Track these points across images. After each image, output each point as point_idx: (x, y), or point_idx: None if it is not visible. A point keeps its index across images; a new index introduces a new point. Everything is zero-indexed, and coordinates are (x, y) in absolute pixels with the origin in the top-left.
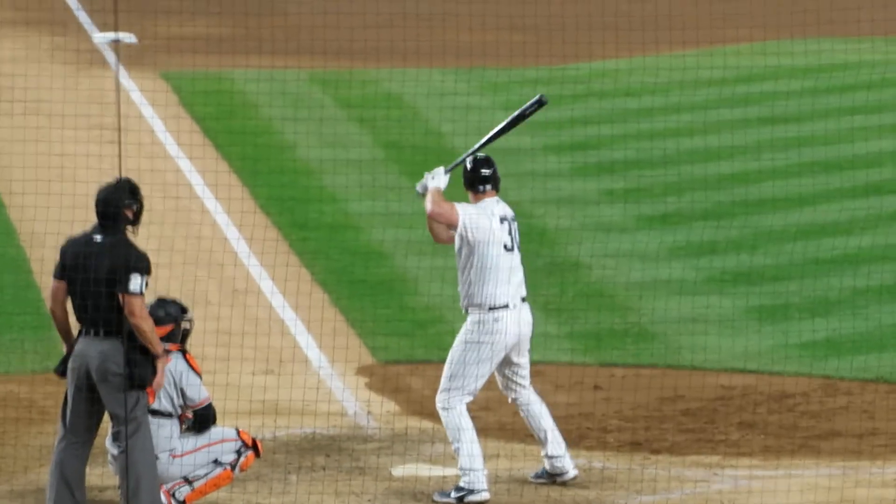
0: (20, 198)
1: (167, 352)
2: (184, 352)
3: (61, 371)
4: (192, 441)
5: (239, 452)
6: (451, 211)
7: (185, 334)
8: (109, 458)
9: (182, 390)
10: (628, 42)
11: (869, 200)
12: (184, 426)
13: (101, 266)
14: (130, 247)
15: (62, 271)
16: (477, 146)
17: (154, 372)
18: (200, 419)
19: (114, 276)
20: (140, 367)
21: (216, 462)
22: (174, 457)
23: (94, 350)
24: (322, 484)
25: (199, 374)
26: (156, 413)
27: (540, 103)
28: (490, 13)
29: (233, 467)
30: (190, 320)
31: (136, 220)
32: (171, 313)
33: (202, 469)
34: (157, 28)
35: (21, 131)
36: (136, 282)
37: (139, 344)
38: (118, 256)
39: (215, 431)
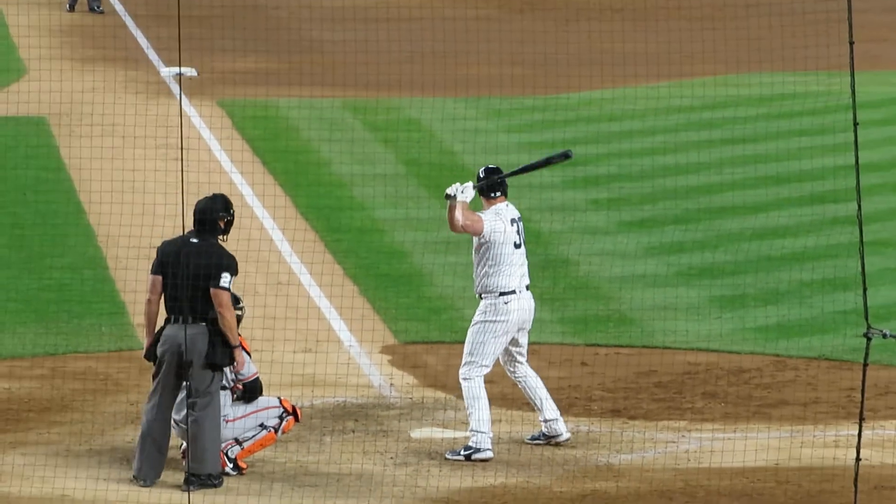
0: (98, 206)
1: None
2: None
3: (150, 356)
4: (241, 408)
5: (281, 418)
6: (479, 223)
7: (238, 320)
8: (172, 422)
9: (234, 367)
10: (611, 75)
11: (813, 208)
12: (234, 396)
13: (196, 264)
14: (222, 249)
15: (160, 267)
16: (509, 173)
17: (231, 358)
18: (249, 390)
19: (207, 272)
20: (218, 351)
21: (262, 426)
22: (227, 421)
23: (183, 335)
24: (352, 444)
25: (248, 353)
26: None
27: (566, 156)
28: (494, 51)
29: (276, 430)
30: (242, 308)
31: (226, 230)
32: None
33: (250, 432)
34: (213, 63)
35: (99, 150)
36: (225, 279)
37: (218, 331)
38: (212, 256)
39: (261, 400)
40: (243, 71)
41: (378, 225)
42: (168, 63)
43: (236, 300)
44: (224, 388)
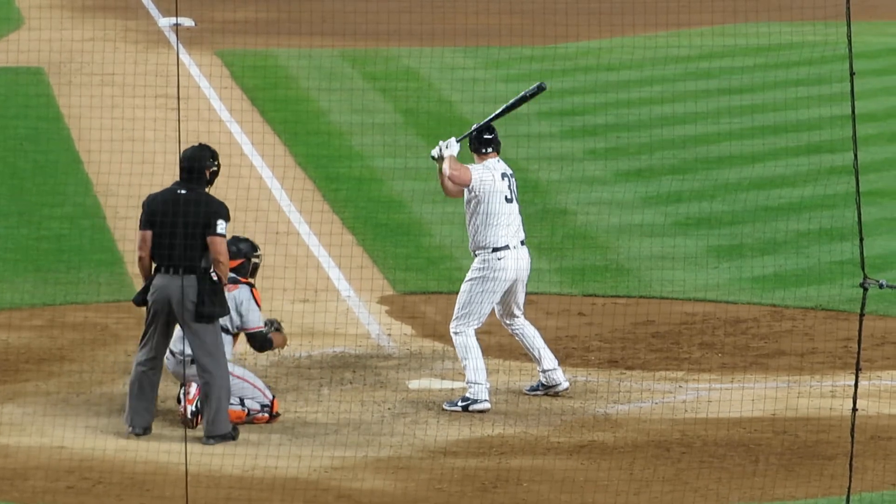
0: (97, 155)
1: (238, 282)
2: (251, 286)
3: (139, 301)
4: (239, 370)
5: (262, 408)
6: (466, 173)
7: (255, 268)
8: (168, 354)
9: (241, 314)
10: (609, 25)
11: (809, 158)
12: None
13: (188, 214)
14: (212, 197)
15: (149, 222)
16: (484, 122)
17: (225, 308)
18: (258, 341)
19: (202, 221)
20: (208, 305)
21: (241, 399)
22: None
23: (175, 285)
24: (349, 395)
25: (259, 305)
26: None
27: (540, 89)
28: (492, 0)
29: (248, 413)
30: (259, 256)
31: (211, 181)
32: (242, 249)
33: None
34: (212, 13)
35: (98, 99)
36: (221, 226)
37: (210, 284)
38: (204, 205)
39: (259, 381)
40: (241, 21)
41: (376, 174)
42: (165, 13)
43: (254, 248)
44: (227, 331)
